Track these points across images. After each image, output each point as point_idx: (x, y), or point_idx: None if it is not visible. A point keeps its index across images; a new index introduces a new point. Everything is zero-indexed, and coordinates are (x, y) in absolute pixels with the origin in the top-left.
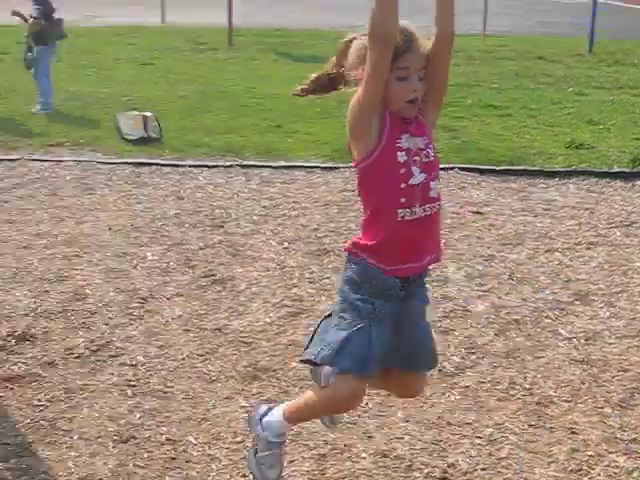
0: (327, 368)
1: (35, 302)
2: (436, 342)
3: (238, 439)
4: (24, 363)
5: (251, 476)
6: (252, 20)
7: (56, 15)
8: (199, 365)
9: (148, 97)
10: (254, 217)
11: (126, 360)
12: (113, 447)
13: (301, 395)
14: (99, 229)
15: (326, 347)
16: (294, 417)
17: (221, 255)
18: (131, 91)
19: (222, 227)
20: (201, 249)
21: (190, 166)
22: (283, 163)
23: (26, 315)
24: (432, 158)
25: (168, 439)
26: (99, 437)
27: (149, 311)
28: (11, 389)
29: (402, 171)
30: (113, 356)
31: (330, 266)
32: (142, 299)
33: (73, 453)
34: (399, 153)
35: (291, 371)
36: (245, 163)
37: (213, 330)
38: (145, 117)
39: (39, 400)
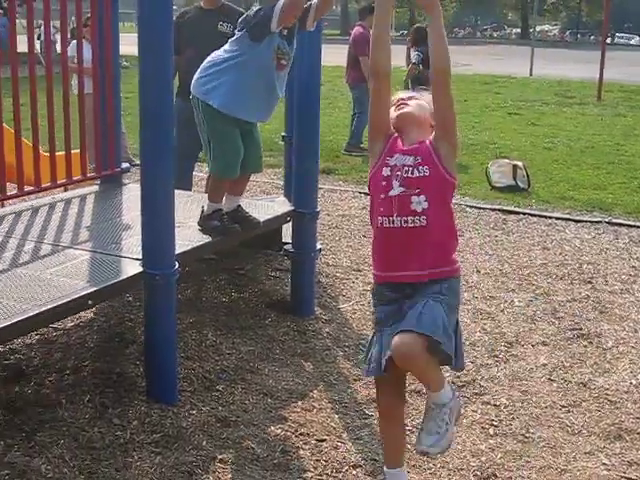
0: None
1: None
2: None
3: None
4: None
5: None
6: (622, 76)
7: None
8: (562, 416)
9: (515, 146)
10: (623, 276)
11: (489, 400)
12: None
13: None
14: (467, 270)
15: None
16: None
17: (588, 310)
18: (498, 139)
19: (590, 282)
20: (568, 302)
21: (557, 218)
22: None
23: None
24: (418, 175)
25: None
26: (461, 469)
27: (514, 355)
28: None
29: (383, 183)
30: (477, 394)
31: None
32: (508, 343)
33: None
34: (384, 168)
35: None
36: (614, 221)
37: (578, 383)
38: (515, 166)
39: (405, 425)
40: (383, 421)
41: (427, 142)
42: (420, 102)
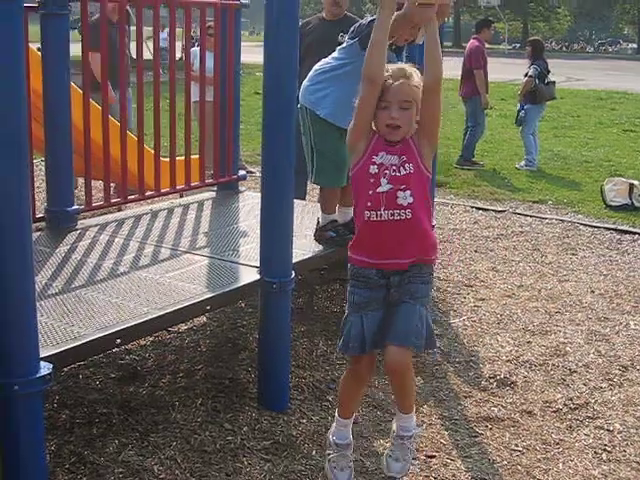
0: None
1: (517, 350)
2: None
3: None
4: (503, 407)
5: None
6: None
7: (550, 77)
8: None
9: (630, 164)
10: None
11: (603, 424)
12: None
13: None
14: (581, 290)
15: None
16: (338, 404)
17: None
18: (613, 156)
19: None
20: None
21: None
22: None
23: (508, 361)
24: (405, 173)
25: None
26: None
27: (629, 380)
28: (490, 429)
29: (371, 180)
30: (590, 417)
31: None
32: (623, 367)
33: None
34: (371, 166)
35: None
36: None
37: None
38: (631, 185)
39: (516, 445)
40: (353, 382)
41: (410, 141)
42: (410, 113)
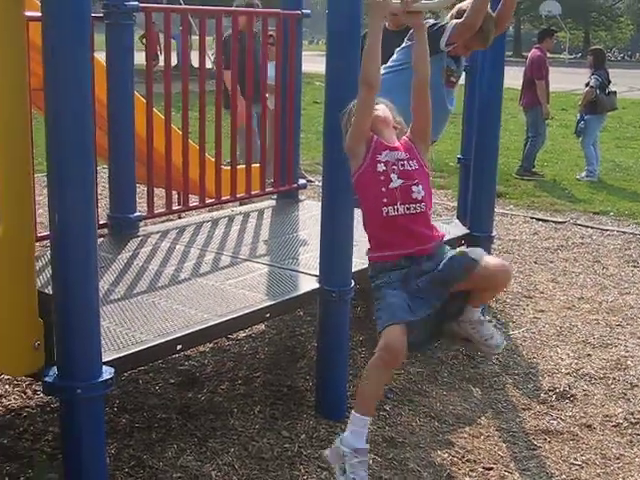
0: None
1: (577, 363)
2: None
3: None
4: (562, 420)
5: None
6: None
7: (611, 87)
8: None
9: None
10: None
11: None
12: None
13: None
14: None
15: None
16: (362, 402)
17: None
18: None
19: None
20: None
21: None
22: None
23: (568, 374)
24: (411, 168)
25: None
26: None
27: None
28: (548, 442)
29: (382, 178)
30: None
31: None
32: None
33: None
34: (378, 165)
35: None
36: None
37: None
38: None
39: (575, 459)
40: (385, 368)
41: (408, 140)
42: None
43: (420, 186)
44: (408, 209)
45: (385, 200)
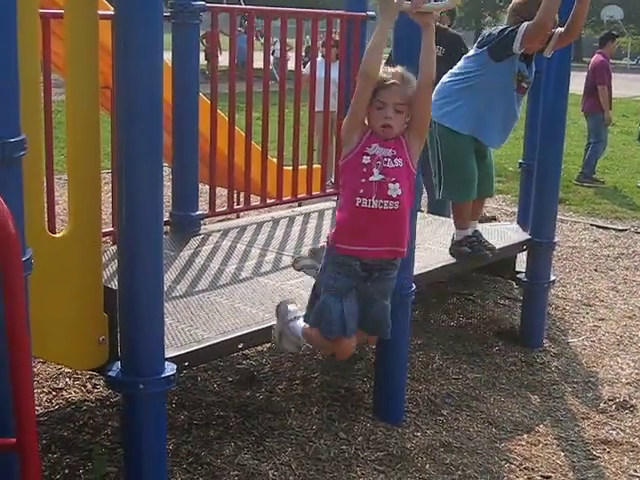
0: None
1: (638, 373)
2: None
3: None
4: (622, 430)
5: None
6: None
7: None
8: None
9: None
10: None
11: None
12: None
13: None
14: None
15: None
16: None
17: None
18: None
19: None
20: None
21: None
22: None
23: (628, 384)
24: (395, 166)
25: None
26: None
27: None
28: (607, 452)
29: (364, 170)
30: None
31: None
32: None
33: None
34: (364, 157)
35: None
36: None
37: None
38: None
39: (635, 471)
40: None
41: (402, 138)
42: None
43: (397, 184)
44: (382, 205)
45: (361, 191)
